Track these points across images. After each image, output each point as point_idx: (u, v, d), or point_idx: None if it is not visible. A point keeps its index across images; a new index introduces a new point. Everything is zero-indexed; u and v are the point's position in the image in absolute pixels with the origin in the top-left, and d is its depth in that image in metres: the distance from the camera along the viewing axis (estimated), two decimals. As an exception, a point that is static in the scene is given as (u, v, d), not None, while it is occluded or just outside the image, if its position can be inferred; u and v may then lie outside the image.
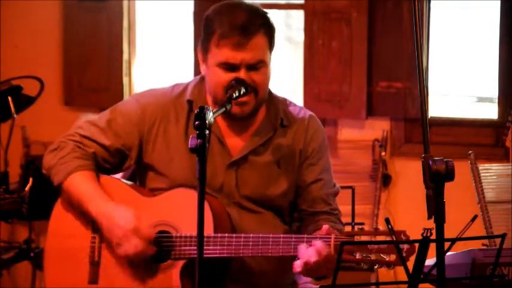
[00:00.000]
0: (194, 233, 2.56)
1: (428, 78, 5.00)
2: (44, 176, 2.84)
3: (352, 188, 3.80)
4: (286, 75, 5.44)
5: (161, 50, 5.67)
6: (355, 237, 2.45)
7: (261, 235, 2.58)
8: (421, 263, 2.16)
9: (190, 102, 2.78)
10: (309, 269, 2.48)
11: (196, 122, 2.25)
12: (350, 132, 5.12)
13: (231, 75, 2.64)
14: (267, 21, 2.69)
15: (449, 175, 2.14)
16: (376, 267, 2.39)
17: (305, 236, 2.54)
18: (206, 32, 2.69)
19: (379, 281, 4.64)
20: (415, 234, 2.24)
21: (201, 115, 2.26)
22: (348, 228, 3.53)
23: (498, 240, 2.25)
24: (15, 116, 4.43)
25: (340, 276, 2.17)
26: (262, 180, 2.77)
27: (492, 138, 4.98)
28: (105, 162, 2.82)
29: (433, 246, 2.14)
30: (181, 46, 5.56)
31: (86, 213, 2.73)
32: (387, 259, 2.37)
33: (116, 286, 2.71)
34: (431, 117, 4.96)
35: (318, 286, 2.86)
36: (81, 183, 2.74)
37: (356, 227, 3.60)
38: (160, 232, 2.68)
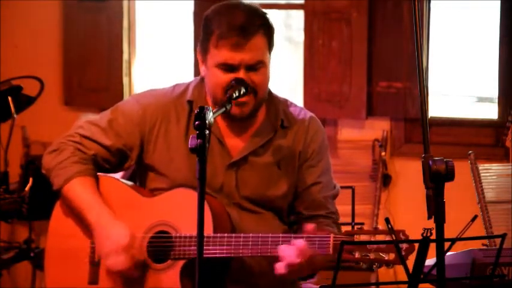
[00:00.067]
0: (194, 233, 2.56)
1: (428, 78, 5.00)
2: (43, 176, 2.84)
3: (352, 188, 3.80)
4: (286, 75, 5.44)
5: (161, 50, 5.67)
6: (355, 236, 2.45)
7: (260, 235, 2.58)
8: (421, 263, 2.16)
9: (190, 102, 2.78)
10: (292, 271, 2.49)
11: (196, 122, 2.25)
12: (350, 132, 5.12)
13: (230, 76, 2.64)
14: (266, 21, 2.68)
15: (449, 175, 2.14)
16: (375, 266, 2.39)
17: (304, 235, 2.54)
18: (205, 33, 2.69)
19: (379, 281, 4.64)
20: (415, 234, 2.24)
21: (201, 115, 2.26)
22: (348, 229, 3.54)
23: (498, 240, 2.25)
24: (15, 116, 4.43)
25: (340, 276, 2.17)
26: (262, 181, 2.77)
27: (492, 138, 4.98)
28: (106, 163, 2.82)
29: (433, 246, 2.14)
30: (181, 46, 5.56)
31: (84, 221, 2.73)
32: (386, 258, 2.37)
33: (115, 286, 2.71)
34: (431, 117, 4.96)
35: (318, 286, 2.86)
36: (79, 191, 2.74)
37: (356, 227, 3.60)
38: (159, 232, 2.68)
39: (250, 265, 2.73)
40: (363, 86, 5.01)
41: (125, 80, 5.37)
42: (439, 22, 5.08)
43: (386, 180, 5.05)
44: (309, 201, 2.80)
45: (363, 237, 2.44)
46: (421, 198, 2.18)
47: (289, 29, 5.59)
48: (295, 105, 2.88)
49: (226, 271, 2.71)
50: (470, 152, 3.90)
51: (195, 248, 2.52)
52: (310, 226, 2.54)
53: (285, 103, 2.86)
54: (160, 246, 2.67)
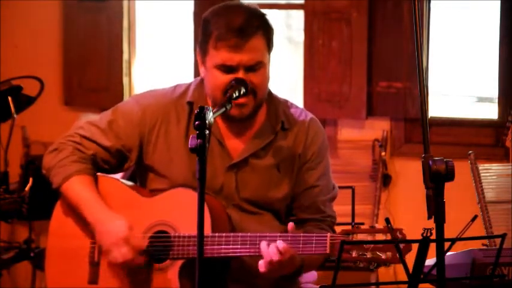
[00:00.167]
0: (192, 232, 2.58)
1: (428, 78, 5.00)
2: (44, 176, 2.85)
3: (352, 188, 3.79)
4: (286, 75, 5.44)
5: (161, 50, 5.67)
6: (351, 235, 2.45)
7: (258, 234, 2.58)
8: (421, 263, 2.16)
9: (190, 103, 2.78)
10: (273, 269, 2.51)
11: (196, 122, 2.25)
12: (350, 132, 5.12)
13: (229, 77, 2.63)
14: (264, 22, 2.68)
15: (449, 175, 2.14)
16: (372, 265, 2.39)
17: (301, 234, 2.54)
18: (204, 34, 2.68)
19: (379, 281, 4.64)
20: (415, 234, 2.24)
21: (201, 115, 2.26)
22: (348, 228, 3.53)
23: (498, 240, 2.25)
24: (15, 116, 4.43)
25: (340, 276, 2.17)
26: (263, 183, 2.77)
27: (492, 138, 4.98)
28: (105, 163, 2.82)
29: (433, 246, 2.14)
30: (181, 46, 5.56)
31: (83, 218, 2.74)
32: (383, 257, 2.37)
33: (115, 286, 2.72)
34: (431, 117, 4.96)
35: (318, 286, 2.86)
36: (78, 189, 2.75)
37: (355, 227, 3.60)
38: (158, 232, 2.69)
39: (250, 265, 2.72)
40: (363, 86, 5.01)
41: (125, 80, 5.37)
42: (439, 22, 5.08)
43: (386, 180, 5.05)
44: (305, 204, 2.80)
45: (360, 236, 2.44)
46: (421, 198, 2.18)
47: (289, 29, 5.59)
48: (296, 107, 2.87)
49: (226, 271, 2.72)
50: (470, 152, 3.90)
51: (194, 247, 2.54)
52: (290, 225, 2.55)
53: (286, 104, 2.85)
54: (160, 246, 2.67)
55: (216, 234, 2.59)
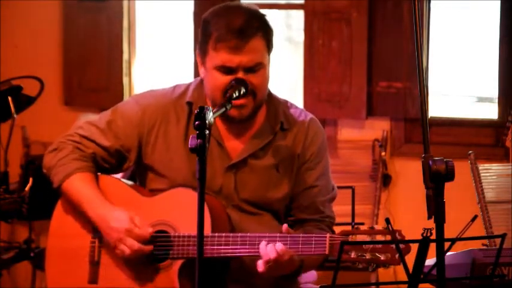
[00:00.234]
0: (192, 232, 2.58)
1: (428, 78, 5.00)
2: (44, 176, 2.85)
3: (352, 188, 3.80)
4: (286, 75, 5.44)
5: (161, 50, 5.67)
6: (350, 236, 2.45)
7: (257, 234, 2.58)
8: (421, 263, 2.16)
9: (190, 104, 2.78)
10: (270, 268, 2.51)
11: (196, 122, 2.25)
12: (350, 132, 5.12)
13: (229, 78, 2.63)
14: (264, 23, 2.68)
15: (449, 175, 2.14)
16: (371, 266, 2.39)
17: (300, 235, 2.55)
18: (204, 35, 2.68)
19: (379, 281, 4.64)
20: (415, 234, 2.24)
21: (201, 115, 2.26)
22: (348, 229, 3.53)
23: (498, 240, 2.25)
24: (15, 116, 4.43)
25: (340, 276, 2.17)
26: (262, 183, 2.77)
27: (492, 138, 4.98)
28: (105, 162, 2.82)
29: (433, 246, 2.14)
30: (181, 46, 5.56)
31: (85, 215, 2.74)
32: (382, 258, 2.37)
33: (115, 286, 2.72)
34: (431, 117, 4.96)
35: (318, 286, 2.86)
36: (79, 186, 2.75)
37: (355, 227, 3.60)
38: (158, 232, 2.69)
39: (250, 265, 2.72)
40: (363, 86, 5.01)
41: (125, 80, 5.37)
42: (439, 22, 5.08)
43: (386, 180, 5.05)
44: (304, 204, 2.80)
45: (359, 237, 2.44)
46: (421, 198, 2.18)
47: (289, 29, 5.59)
48: (296, 107, 2.87)
49: (226, 271, 2.72)
50: (470, 152, 3.90)
51: (194, 247, 2.54)
52: (284, 227, 2.55)
53: (285, 104, 2.85)
54: (159, 246, 2.67)
55: (216, 234, 2.59)
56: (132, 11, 5.43)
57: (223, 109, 2.54)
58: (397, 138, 5.09)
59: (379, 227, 2.44)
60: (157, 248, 2.67)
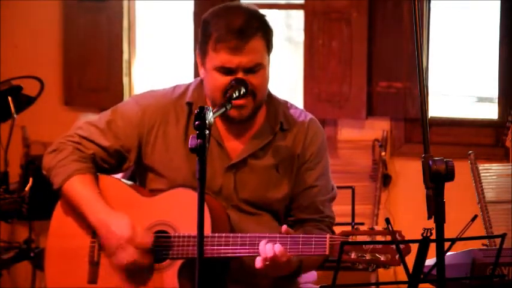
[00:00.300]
0: (192, 232, 2.58)
1: (428, 78, 5.00)
2: (44, 176, 2.85)
3: (352, 188, 3.80)
4: (286, 75, 5.44)
5: (161, 50, 5.67)
6: (351, 236, 2.45)
7: (257, 234, 2.58)
8: (421, 263, 2.16)
9: (190, 104, 2.78)
10: (268, 266, 2.51)
11: (196, 122, 2.25)
12: (350, 132, 5.12)
13: (229, 79, 2.63)
14: (264, 24, 2.68)
15: (449, 175, 2.14)
16: (371, 267, 2.39)
17: (300, 235, 2.54)
18: (203, 36, 2.68)
19: (379, 281, 4.64)
20: (415, 234, 2.24)
21: (201, 115, 2.25)
22: (348, 229, 3.53)
23: (498, 240, 2.25)
24: (15, 116, 4.42)
25: (340, 276, 2.17)
26: (261, 184, 2.77)
27: (492, 138, 4.98)
28: (104, 163, 2.82)
29: (433, 246, 2.14)
30: (181, 46, 5.56)
31: (84, 218, 2.74)
32: (382, 259, 2.37)
33: (114, 286, 2.72)
34: (431, 117, 4.96)
35: (318, 286, 2.86)
36: (79, 188, 2.74)
37: (356, 227, 3.60)
38: (158, 232, 2.69)
39: (250, 265, 2.72)
40: (363, 86, 5.01)
41: (125, 80, 5.37)
42: (439, 22, 5.08)
43: (386, 180, 5.05)
44: (304, 204, 2.80)
45: (359, 238, 2.43)
46: (421, 198, 2.18)
47: (289, 29, 5.59)
48: (296, 107, 2.87)
49: (226, 271, 2.72)
50: (470, 152, 3.90)
51: (194, 247, 2.54)
52: (283, 228, 2.55)
53: (285, 105, 2.85)
54: (159, 246, 2.67)
55: (216, 234, 2.59)
56: (132, 11, 5.43)
57: (223, 109, 2.54)
58: (397, 138, 5.09)
59: (379, 227, 2.44)
60: (157, 248, 2.67)
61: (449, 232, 2.15)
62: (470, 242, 2.33)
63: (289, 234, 2.55)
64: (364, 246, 2.36)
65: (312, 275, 3.09)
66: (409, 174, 5.00)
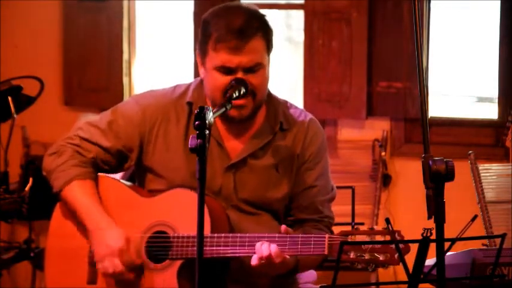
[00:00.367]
0: (191, 233, 2.58)
1: (428, 78, 5.00)
2: (43, 176, 2.85)
3: (352, 188, 3.80)
4: (286, 75, 5.44)
5: (161, 50, 5.67)
6: (350, 236, 2.45)
7: (256, 234, 2.58)
8: (421, 263, 2.16)
9: (190, 104, 2.78)
10: (263, 265, 2.51)
11: (196, 122, 2.25)
12: (350, 132, 5.12)
13: (229, 78, 2.63)
14: (264, 23, 2.68)
15: (449, 175, 2.14)
16: (370, 267, 2.39)
17: (300, 235, 2.54)
18: (203, 35, 2.68)
19: (379, 280, 4.64)
20: (415, 234, 2.24)
21: (201, 115, 2.25)
22: (348, 229, 3.53)
23: (498, 240, 2.25)
24: (15, 116, 4.43)
25: (340, 276, 2.17)
26: (261, 183, 2.76)
27: (492, 138, 4.98)
28: (105, 164, 2.81)
29: (433, 246, 2.14)
30: (181, 46, 5.56)
31: (82, 224, 2.74)
32: (381, 259, 2.37)
33: (114, 286, 2.72)
34: (431, 117, 4.96)
35: (318, 286, 2.86)
36: (78, 194, 2.74)
37: (355, 227, 3.60)
38: (157, 232, 2.69)
39: (250, 265, 2.72)
40: (363, 86, 5.01)
41: (125, 80, 5.37)
42: (439, 22, 5.08)
43: (386, 180, 5.05)
44: (303, 204, 2.80)
45: (358, 238, 2.43)
46: (421, 198, 2.18)
47: (289, 29, 5.59)
48: (295, 107, 2.87)
49: (226, 271, 2.72)
50: (470, 152, 3.90)
51: (193, 248, 2.54)
52: (283, 227, 2.55)
53: (285, 105, 2.85)
54: (158, 246, 2.67)
55: (215, 234, 2.59)
56: (132, 11, 5.43)
57: (223, 109, 2.54)
58: (397, 138, 5.09)
59: (379, 227, 2.44)
60: (157, 249, 2.67)
61: (449, 232, 2.15)
62: (470, 242, 2.33)
63: (289, 234, 2.55)
64: (363, 245, 2.36)
65: (312, 275, 3.09)
66: (409, 174, 5.00)
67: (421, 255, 2.15)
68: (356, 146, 5.11)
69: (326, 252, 2.49)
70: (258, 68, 2.65)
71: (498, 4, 4.94)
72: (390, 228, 2.21)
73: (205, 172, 2.21)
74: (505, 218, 3.84)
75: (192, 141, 2.22)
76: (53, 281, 2.80)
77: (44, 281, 2.85)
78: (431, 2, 5.00)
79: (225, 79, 2.63)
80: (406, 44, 4.92)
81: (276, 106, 2.81)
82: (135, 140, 2.79)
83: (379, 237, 2.40)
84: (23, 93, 4.49)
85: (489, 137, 4.99)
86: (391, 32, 4.98)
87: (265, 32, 2.67)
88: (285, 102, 2.86)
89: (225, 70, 2.63)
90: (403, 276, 2.19)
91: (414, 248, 2.22)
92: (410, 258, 2.23)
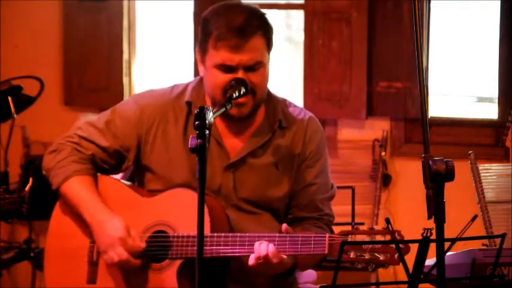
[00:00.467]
0: (191, 232, 2.58)
1: (428, 78, 5.00)
2: (43, 176, 2.85)
3: (352, 188, 3.80)
4: (286, 75, 5.44)
5: (161, 50, 5.67)
6: (350, 236, 2.45)
7: (256, 234, 2.58)
8: (421, 263, 2.16)
9: (189, 103, 2.78)
10: (260, 265, 2.52)
11: (196, 122, 2.25)
12: (350, 132, 5.12)
13: (229, 77, 2.63)
14: (264, 22, 2.68)
15: (449, 175, 2.14)
16: (370, 267, 2.39)
17: (300, 235, 2.54)
18: (203, 33, 2.68)
19: (379, 280, 4.64)
20: (415, 234, 2.24)
21: (201, 115, 2.25)
22: (348, 229, 3.53)
23: (498, 240, 2.25)
24: (15, 116, 4.43)
25: (340, 276, 2.17)
26: (261, 182, 2.76)
27: (492, 138, 4.98)
28: (104, 163, 2.82)
29: (433, 246, 2.14)
30: (181, 46, 5.56)
31: (82, 218, 2.74)
32: (381, 258, 2.37)
33: (113, 286, 2.72)
34: (431, 117, 4.96)
35: (318, 286, 2.85)
36: (77, 189, 2.75)
37: (355, 227, 3.59)
38: (157, 232, 2.69)
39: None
40: (363, 86, 5.01)
41: (125, 80, 5.37)
42: (439, 22, 5.08)
43: (386, 180, 5.05)
44: (303, 202, 2.80)
45: (359, 237, 2.43)
46: (421, 198, 2.18)
47: (289, 29, 5.59)
48: (295, 106, 2.87)
49: (226, 271, 2.72)
50: (470, 152, 3.90)
51: (193, 247, 2.54)
52: (284, 227, 2.55)
53: (284, 103, 2.85)
54: (158, 246, 2.67)
55: (215, 234, 2.59)
56: (132, 11, 5.43)
57: (224, 109, 2.54)
58: (397, 138, 5.09)
59: (378, 227, 2.44)
60: (156, 248, 2.67)
61: (449, 232, 2.15)
62: (470, 242, 2.33)
63: (289, 234, 2.54)
64: (363, 245, 2.36)
65: (312, 275, 3.09)
66: (409, 174, 5.00)
67: (421, 255, 2.15)
68: (356, 146, 5.11)
69: (326, 252, 2.49)
70: (258, 66, 2.65)
71: (498, 4, 4.93)
72: (390, 228, 2.21)
73: (205, 172, 2.21)
74: (505, 218, 3.84)
75: (192, 141, 2.22)
76: (53, 280, 2.80)
77: (44, 280, 2.85)
78: (431, 2, 5.00)
79: (225, 77, 2.63)
80: (406, 44, 4.92)
81: (275, 104, 2.81)
82: (133, 140, 2.79)
83: (379, 237, 2.40)
84: (23, 93, 4.49)
85: (489, 137, 4.99)
86: (391, 32, 4.97)
87: (265, 30, 2.67)
88: (284, 100, 2.86)
89: (226, 68, 2.63)
90: (403, 276, 2.19)
91: (414, 248, 2.22)
92: (410, 258, 2.23)
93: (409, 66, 4.92)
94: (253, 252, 2.55)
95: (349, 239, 2.43)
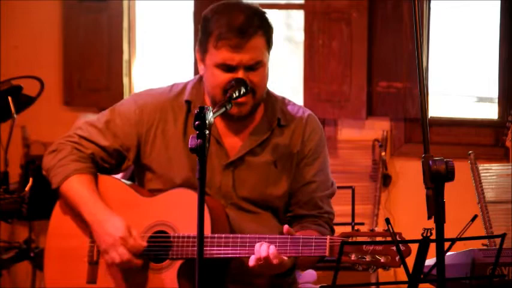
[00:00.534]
0: (192, 233, 2.58)
1: (428, 78, 5.00)
2: (43, 176, 2.85)
3: (352, 188, 3.80)
4: (286, 75, 5.44)
5: (161, 50, 5.67)
6: (351, 238, 2.44)
7: (257, 235, 2.57)
8: (421, 263, 2.16)
9: (188, 102, 2.78)
10: (261, 266, 2.51)
11: (196, 122, 2.24)
12: (350, 132, 5.12)
13: (229, 76, 2.63)
14: (264, 21, 2.68)
15: (449, 175, 2.13)
16: (371, 269, 2.39)
17: (300, 236, 2.54)
18: (204, 32, 2.68)
19: (379, 281, 4.64)
20: (415, 234, 2.24)
21: (201, 115, 2.25)
22: (348, 229, 3.53)
23: (498, 240, 2.25)
24: (15, 116, 4.42)
25: (340, 276, 2.17)
26: (260, 180, 2.76)
27: (492, 138, 4.98)
28: (104, 162, 2.82)
29: (433, 246, 2.14)
30: (181, 46, 5.56)
31: (82, 217, 2.74)
32: (382, 260, 2.37)
33: (113, 286, 2.72)
34: (431, 117, 4.97)
35: (318, 286, 2.85)
36: (77, 188, 2.74)
37: (356, 227, 3.60)
38: (158, 232, 2.68)
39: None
40: (363, 86, 5.01)
41: (125, 80, 5.37)
42: (439, 22, 5.08)
43: (386, 180, 5.05)
44: (303, 200, 2.79)
45: (359, 239, 2.43)
46: (421, 198, 2.18)
47: (289, 29, 5.59)
48: (293, 104, 2.87)
49: (226, 271, 2.71)
50: (470, 152, 3.90)
51: (193, 248, 2.53)
52: (285, 228, 2.55)
53: (283, 101, 2.85)
54: (159, 246, 2.67)
55: (216, 235, 2.59)
56: (132, 11, 5.43)
57: (224, 109, 2.54)
58: (397, 138, 5.09)
59: (379, 228, 2.44)
60: (157, 249, 2.67)
61: (449, 232, 2.15)
62: (470, 242, 2.33)
63: (290, 235, 2.54)
64: (364, 247, 2.36)
65: (312, 275, 3.09)
66: (409, 174, 5.00)
67: (421, 255, 2.15)
68: (356, 146, 5.11)
69: (327, 254, 2.49)
70: (259, 65, 2.65)
71: (498, 4, 4.93)
72: (390, 229, 2.21)
73: (205, 172, 2.21)
74: (505, 218, 3.84)
75: (192, 142, 2.22)
76: (53, 280, 2.80)
77: (44, 280, 2.85)
78: (431, 2, 5.00)
79: (226, 76, 2.63)
80: (406, 44, 4.92)
81: (273, 103, 2.81)
82: (133, 140, 2.79)
83: (380, 239, 2.40)
84: (23, 93, 4.48)
85: (489, 137, 4.99)
86: (391, 32, 4.98)
87: (266, 29, 2.67)
88: (283, 98, 2.86)
89: (226, 67, 2.63)
90: (403, 276, 2.19)
91: (414, 248, 2.22)
92: (410, 258, 2.23)
93: (409, 66, 4.93)
94: (253, 254, 2.55)
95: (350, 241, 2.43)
